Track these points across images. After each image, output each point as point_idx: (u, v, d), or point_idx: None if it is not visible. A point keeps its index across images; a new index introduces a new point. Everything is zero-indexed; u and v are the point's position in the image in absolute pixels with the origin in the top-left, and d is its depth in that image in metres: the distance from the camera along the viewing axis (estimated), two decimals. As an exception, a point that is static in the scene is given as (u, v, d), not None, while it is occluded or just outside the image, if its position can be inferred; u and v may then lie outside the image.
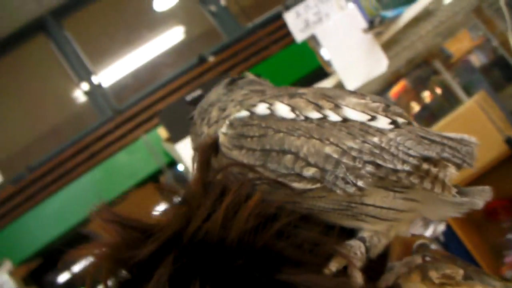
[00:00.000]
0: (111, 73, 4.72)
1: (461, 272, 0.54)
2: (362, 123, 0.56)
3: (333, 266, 0.52)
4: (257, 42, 4.30)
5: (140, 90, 4.48)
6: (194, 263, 0.47)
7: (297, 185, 0.54)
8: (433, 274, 0.55)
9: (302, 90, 0.61)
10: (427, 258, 0.58)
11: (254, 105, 0.59)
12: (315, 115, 0.57)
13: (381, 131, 0.55)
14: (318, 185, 0.54)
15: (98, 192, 3.81)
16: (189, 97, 3.10)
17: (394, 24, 1.85)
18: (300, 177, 0.54)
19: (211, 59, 4.24)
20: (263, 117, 0.58)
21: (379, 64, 1.99)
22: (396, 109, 0.59)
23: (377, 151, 0.53)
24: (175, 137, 3.05)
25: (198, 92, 3.16)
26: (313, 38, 2.11)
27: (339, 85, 2.10)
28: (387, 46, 2.06)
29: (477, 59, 5.79)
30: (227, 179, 0.53)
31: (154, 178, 4.00)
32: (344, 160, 0.53)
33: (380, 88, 3.14)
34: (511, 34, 1.99)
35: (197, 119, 0.69)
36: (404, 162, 0.53)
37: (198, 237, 0.48)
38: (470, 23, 3.40)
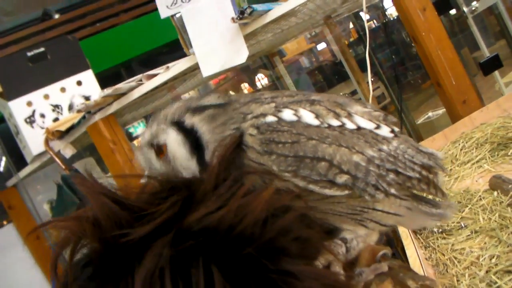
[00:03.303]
0: None
1: (438, 283, 0.60)
2: (371, 131, 0.58)
3: (323, 260, 0.55)
4: (106, 8, 4.12)
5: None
6: (196, 246, 0.46)
7: (328, 191, 0.55)
8: (412, 284, 0.59)
9: (315, 97, 0.61)
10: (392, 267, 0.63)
11: (280, 111, 0.59)
12: (335, 122, 0.58)
13: (386, 139, 0.58)
14: (346, 191, 0.55)
15: None
16: (30, 53, 2.90)
17: (262, 18, 1.90)
18: (332, 183, 0.55)
19: (57, 16, 3.97)
20: (291, 123, 0.57)
21: (239, 55, 2.02)
22: (392, 118, 0.62)
23: (392, 159, 0.56)
24: (9, 94, 2.83)
25: (41, 49, 2.96)
26: (178, 17, 2.09)
27: (195, 67, 2.12)
28: (245, 38, 2.11)
29: (304, 62, 6.33)
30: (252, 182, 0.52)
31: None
32: (371, 168, 0.55)
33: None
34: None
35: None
36: (412, 169, 0.57)
37: (203, 222, 0.47)
38: (315, 27, 3.63)
